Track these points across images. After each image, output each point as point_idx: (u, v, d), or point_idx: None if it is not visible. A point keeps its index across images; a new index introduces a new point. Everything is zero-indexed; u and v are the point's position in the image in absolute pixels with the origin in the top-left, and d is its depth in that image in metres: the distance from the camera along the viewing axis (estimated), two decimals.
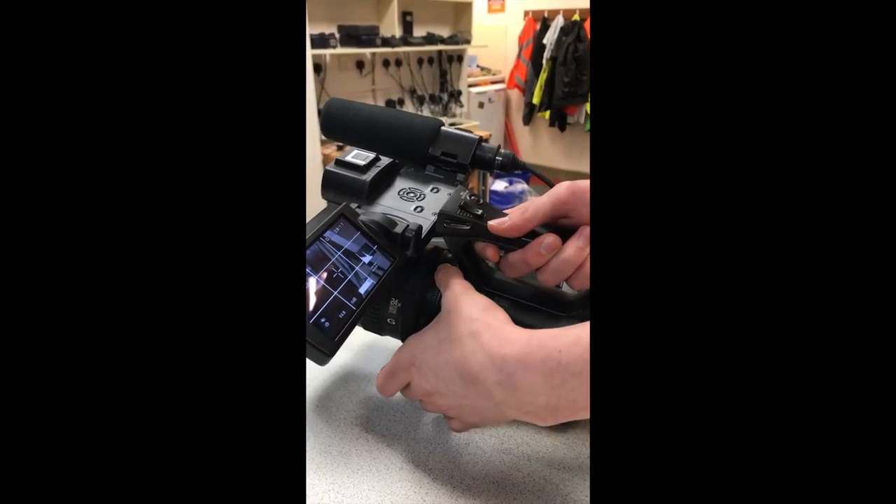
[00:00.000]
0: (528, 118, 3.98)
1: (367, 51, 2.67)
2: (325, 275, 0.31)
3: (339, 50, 2.51)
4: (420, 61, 3.21)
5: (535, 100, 3.75)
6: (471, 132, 0.42)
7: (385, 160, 0.41)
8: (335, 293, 0.31)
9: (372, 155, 0.41)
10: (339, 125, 0.43)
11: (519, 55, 3.87)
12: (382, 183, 0.40)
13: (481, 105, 3.76)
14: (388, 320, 0.38)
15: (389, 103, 2.93)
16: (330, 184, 0.40)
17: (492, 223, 0.35)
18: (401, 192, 0.40)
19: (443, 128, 0.42)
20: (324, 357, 0.29)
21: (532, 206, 0.35)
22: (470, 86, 3.62)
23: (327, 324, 0.30)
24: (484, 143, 0.42)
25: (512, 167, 0.41)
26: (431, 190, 0.40)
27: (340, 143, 2.43)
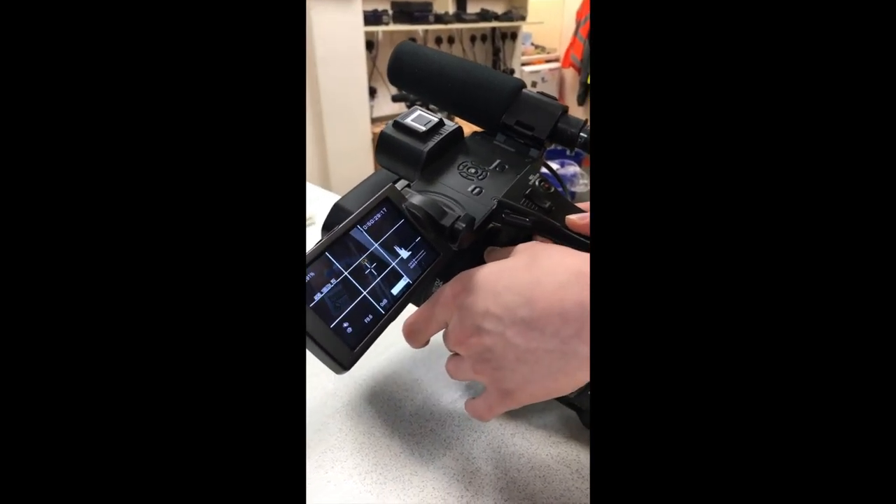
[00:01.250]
0: (582, 98, 3.83)
1: (420, 28, 2.64)
2: (356, 270, 0.27)
3: (392, 27, 2.49)
4: (473, 39, 3.15)
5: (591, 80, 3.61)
6: (555, 98, 0.36)
7: (449, 126, 0.36)
8: (364, 293, 0.27)
9: (435, 119, 0.35)
10: (407, 73, 0.38)
11: (576, 32, 3.71)
12: (442, 154, 0.35)
13: (534, 84, 3.66)
14: None
15: None
16: (385, 147, 0.35)
17: (572, 218, 0.31)
18: (461, 167, 0.35)
19: (524, 90, 0.37)
20: (340, 368, 0.26)
21: None
22: (523, 64, 3.52)
23: (350, 329, 0.26)
24: (568, 115, 0.36)
25: None
26: (496, 167, 0.35)
27: (405, 97, 2.41)
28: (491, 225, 0.32)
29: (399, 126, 0.35)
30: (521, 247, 0.30)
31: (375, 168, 0.39)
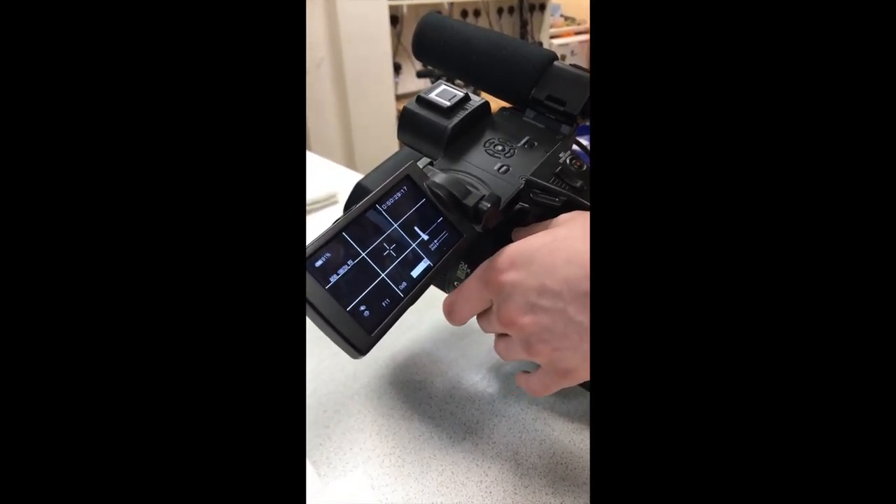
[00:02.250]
0: None
1: (446, 0, 2.58)
2: (374, 252, 0.26)
3: (417, 0, 2.44)
4: (500, 11, 3.06)
5: None
6: (588, 71, 0.34)
7: (475, 101, 0.34)
8: (382, 275, 0.26)
9: (460, 94, 0.34)
10: (432, 46, 0.36)
11: None
12: (468, 130, 0.34)
13: (563, 58, 3.54)
14: (455, 283, 0.34)
15: None
16: (407, 124, 0.34)
17: None
18: (487, 144, 0.33)
19: (555, 63, 0.34)
20: (356, 353, 0.25)
21: None
22: (552, 37, 3.41)
23: (367, 312, 0.25)
24: None
25: None
26: (524, 144, 0.33)
27: (431, 72, 2.37)
28: (518, 205, 0.31)
29: (422, 101, 0.34)
30: (564, 217, 0.28)
31: (400, 146, 0.38)
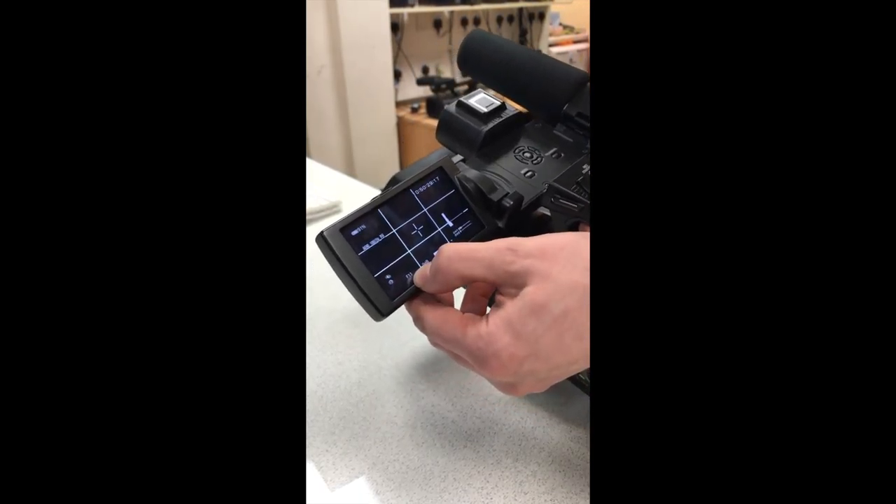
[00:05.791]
0: None
1: (446, 9, 2.60)
2: (404, 230, 0.29)
3: (418, 8, 2.46)
4: (499, 19, 3.08)
5: None
6: None
7: (511, 111, 0.37)
8: (409, 251, 0.29)
9: (497, 102, 0.37)
10: (476, 59, 0.40)
11: None
12: (501, 136, 0.37)
13: None
14: None
15: None
16: (446, 126, 0.37)
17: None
18: (517, 151, 0.36)
19: (589, 83, 0.37)
20: (378, 315, 0.28)
21: None
22: (551, 45, 3.44)
23: (391, 281, 0.28)
24: None
25: None
26: (552, 154, 0.36)
27: (430, 80, 2.40)
28: (539, 211, 0.33)
29: (462, 106, 0.37)
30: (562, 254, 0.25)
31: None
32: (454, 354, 0.27)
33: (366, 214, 0.29)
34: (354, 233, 0.28)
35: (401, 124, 2.42)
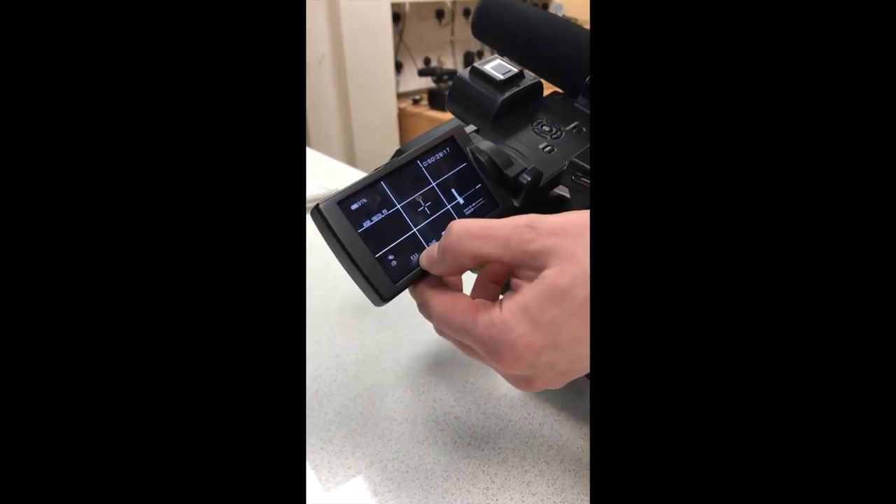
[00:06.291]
0: None
1: None
2: (409, 205, 0.26)
3: None
4: None
5: None
6: None
7: (529, 79, 0.34)
8: (414, 229, 0.26)
9: (515, 70, 0.34)
10: (493, 23, 0.36)
11: None
12: (518, 107, 0.33)
13: None
14: None
15: (468, 55, 2.83)
16: (458, 94, 0.34)
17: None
18: (536, 124, 0.33)
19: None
20: (379, 299, 0.25)
21: None
22: None
23: (394, 262, 0.25)
24: None
25: None
26: (572, 129, 0.33)
27: (433, 71, 2.36)
28: (556, 192, 0.31)
29: (476, 72, 0.33)
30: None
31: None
32: (463, 345, 0.25)
33: (367, 187, 0.25)
34: (354, 207, 0.25)
35: (402, 116, 2.39)
